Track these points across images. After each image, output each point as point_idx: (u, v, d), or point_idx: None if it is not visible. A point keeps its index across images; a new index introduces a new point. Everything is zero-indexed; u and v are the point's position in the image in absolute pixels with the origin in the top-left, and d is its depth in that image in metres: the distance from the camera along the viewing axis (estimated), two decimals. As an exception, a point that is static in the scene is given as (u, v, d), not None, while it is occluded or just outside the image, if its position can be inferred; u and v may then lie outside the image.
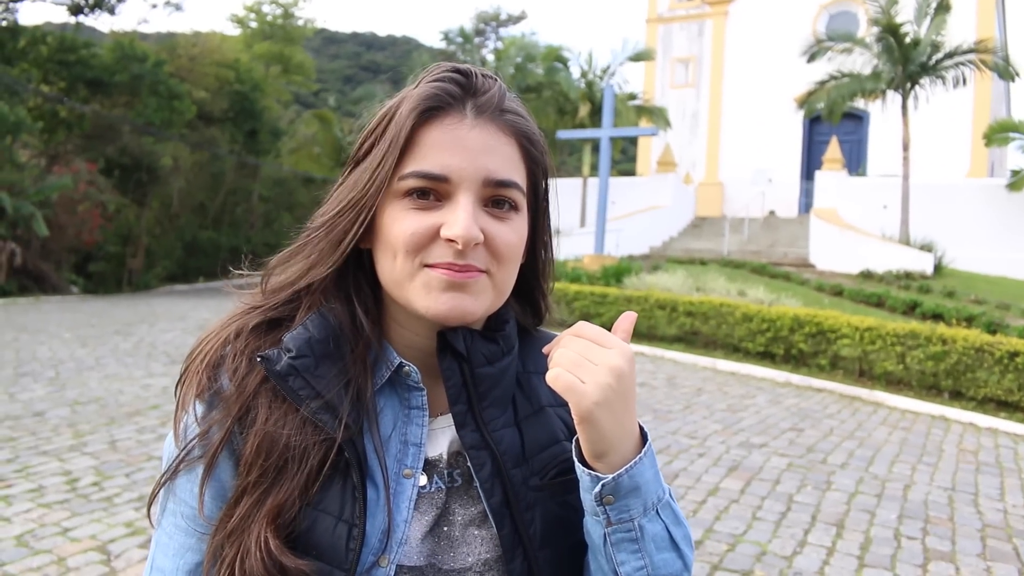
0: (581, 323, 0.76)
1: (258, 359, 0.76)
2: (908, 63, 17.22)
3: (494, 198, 0.77)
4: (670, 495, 0.78)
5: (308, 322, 0.79)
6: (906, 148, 17.53)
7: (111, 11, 23.12)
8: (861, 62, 18.18)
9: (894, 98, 18.11)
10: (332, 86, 58.78)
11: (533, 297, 0.90)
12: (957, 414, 7.81)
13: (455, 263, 0.74)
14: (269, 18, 35.88)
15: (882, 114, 20.52)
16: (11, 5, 21.13)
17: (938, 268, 16.61)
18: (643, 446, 0.75)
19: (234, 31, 36.55)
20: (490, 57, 36.20)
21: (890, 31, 16.93)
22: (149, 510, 0.81)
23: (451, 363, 0.79)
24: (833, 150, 21.46)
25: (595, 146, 20.84)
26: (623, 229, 19.77)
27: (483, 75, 0.79)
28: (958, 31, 19.72)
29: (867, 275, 16.03)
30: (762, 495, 5.06)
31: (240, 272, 0.89)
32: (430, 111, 0.75)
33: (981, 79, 18.99)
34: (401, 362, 0.80)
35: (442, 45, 33.46)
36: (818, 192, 21.08)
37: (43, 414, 6.38)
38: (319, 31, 48.77)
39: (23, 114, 18.56)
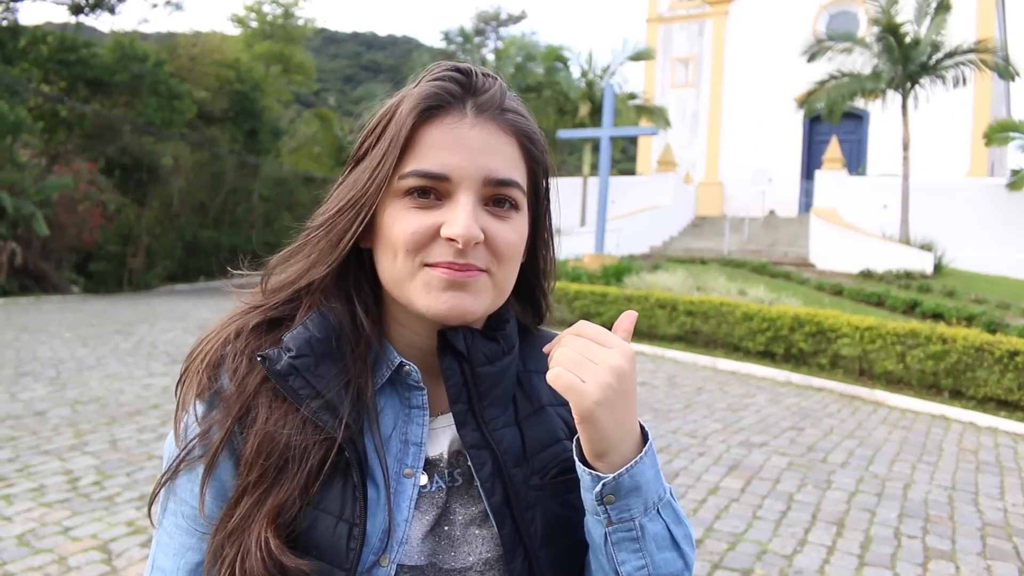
0: (582, 322, 0.76)
1: (258, 358, 0.76)
2: (908, 63, 17.21)
3: (494, 197, 0.77)
4: (671, 494, 0.77)
5: (308, 321, 0.79)
6: (906, 148, 17.53)
7: (111, 11, 23.10)
8: (861, 62, 18.18)
9: (894, 98, 18.11)
10: (332, 86, 58.78)
11: (534, 296, 0.90)
12: (957, 413, 7.81)
13: (455, 262, 0.74)
14: (269, 18, 35.86)
15: (882, 114, 20.53)
16: (11, 5, 21.13)
17: (938, 267, 16.61)
18: (644, 445, 0.75)
19: (234, 31, 36.56)
20: (490, 57, 36.19)
21: (890, 31, 16.92)
22: (150, 510, 0.81)
23: (451, 362, 0.79)
24: (833, 150, 21.46)
25: (595, 145, 20.85)
26: (623, 228, 19.78)
27: (483, 74, 0.79)
28: (958, 31, 19.72)
29: (867, 274, 16.04)
30: (762, 494, 5.06)
31: (240, 272, 0.89)
32: (430, 110, 0.75)
33: (981, 79, 19.00)
34: (402, 361, 0.80)
35: (442, 45, 33.47)
36: (818, 192, 21.07)
37: (44, 413, 6.38)
38: (319, 31, 48.76)
39: (24, 114, 18.55)
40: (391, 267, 0.77)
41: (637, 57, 23.84)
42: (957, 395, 8.38)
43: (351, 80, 65.08)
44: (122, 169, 23.29)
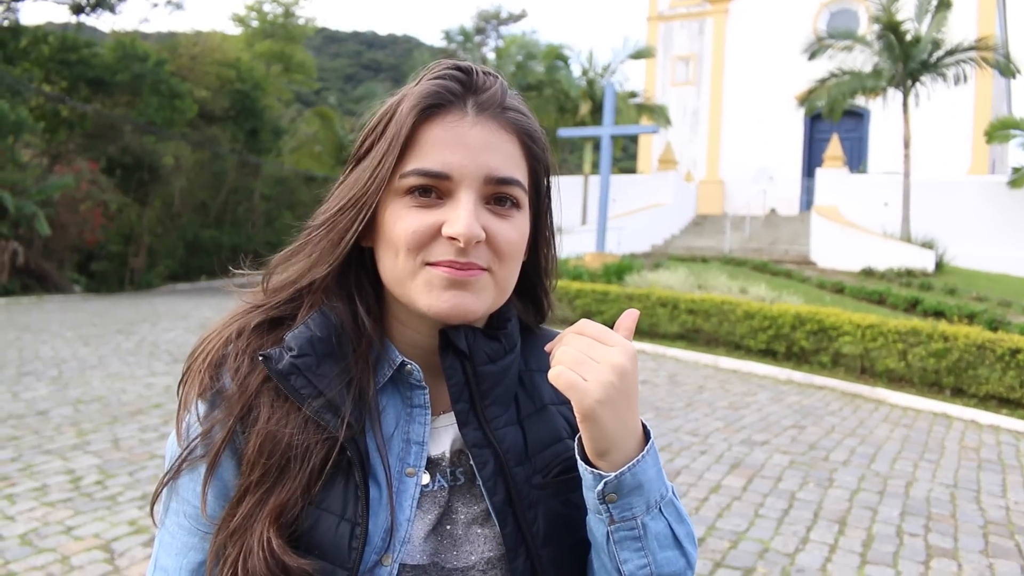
0: (583, 321, 0.76)
1: (260, 358, 0.76)
2: (909, 60, 17.19)
3: (496, 195, 0.76)
4: (673, 493, 0.77)
5: (310, 321, 0.79)
6: (907, 145, 17.51)
7: (112, 10, 23.09)
8: (862, 60, 18.16)
9: (895, 95, 18.08)
10: (333, 85, 58.80)
11: (535, 295, 0.90)
12: (959, 411, 7.80)
13: (457, 261, 0.74)
14: (270, 17, 35.85)
15: (883, 111, 20.50)
16: (13, 5, 21.13)
17: (939, 265, 16.60)
18: (646, 444, 0.75)
19: (235, 30, 36.55)
20: (491, 55, 36.20)
21: (891, 28, 16.90)
22: (152, 509, 0.81)
23: (453, 361, 0.79)
24: (834, 148, 21.43)
25: (596, 144, 20.83)
26: (624, 227, 19.77)
27: (484, 72, 0.79)
28: (959, 28, 19.70)
29: (868, 272, 16.03)
30: (764, 492, 5.06)
31: (242, 271, 0.89)
32: (431, 108, 0.75)
33: (982, 76, 19.01)
34: (403, 360, 0.80)
35: (443, 44, 33.48)
36: (819, 190, 21.05)
37: (46, 413, 6.39)
38: (320, 30, 48.77)
39: (25, 114, 18.55)
40: (392, 266, 0.77)
41: (638, 55, 23.82)
42: (959, 393, 8.37)
43: (352, 79, 65.07)
44: (123, 169, 23.29)
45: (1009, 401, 7.98)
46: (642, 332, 11.18)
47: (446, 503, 0.81)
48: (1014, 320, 10.55)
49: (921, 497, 5.14)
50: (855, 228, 18.28)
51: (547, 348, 0.80)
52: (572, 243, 18.29)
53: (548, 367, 0.74)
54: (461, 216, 0.73)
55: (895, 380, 8.90)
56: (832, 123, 21.30)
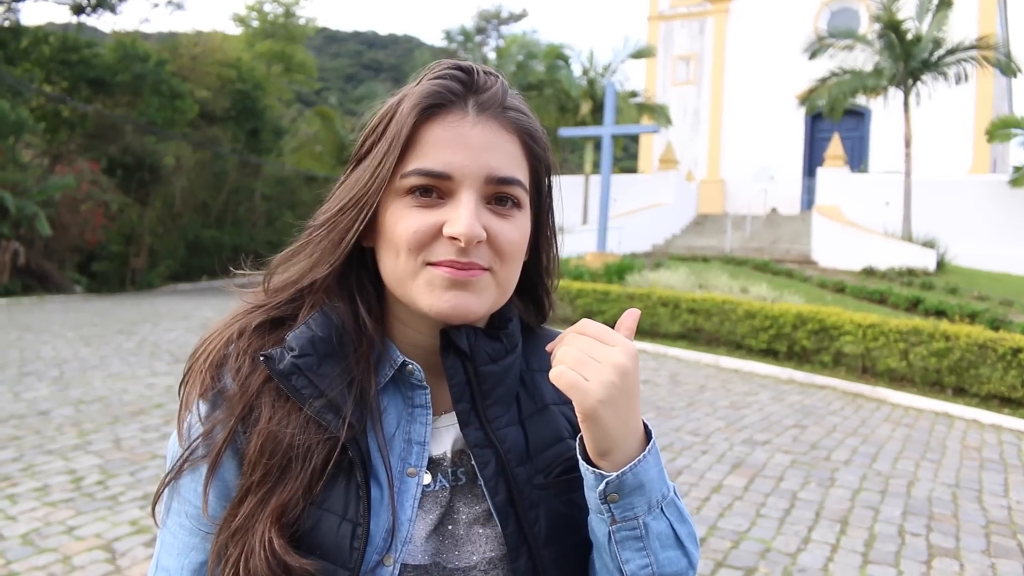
0: (584, 320, 0.76)
1: (261, 358, 0.76)
2: (910, 59, 17.18)
3: (497, 195, 0.76)
4: (675, 492, 0.77)
5: (311, 321, 0.79)
6: (908, 144, 17.50)
7: (113, 10, 23.11)
8: (863, 59, 18.15)
9: (896, 95, 18.07)
10: (334, 85, 58.78)
11: (537, 294, 0.90)
12: (960, 411, 7.80)
13: (458, 261, 0.74)
14: (271, 17, 35.84)
15: (884, 111, 20.49)
16: (13, 5, 21.15)
17: (940, 265, 16.59)
18: (647, 444, 0.75)
19: (236, 30, 36.53)
20: (491, 55, 36.19)
21: (892, 27, 16.89)
22: (154, 509, 0.81)
23: (454, 361, 0.79)
24: (835, 147, 21.42)
25: (597, 144, 20.81)
26: (625, 227, 19.76)
27: (485, 72, 0.79)
28: (960, 27, 19.69)
29: (869, 272, 16.02)
30: (766, 492, 5.06)
31: (243, 271, 0.89)
32: (432, 108, 0.75)
33: (983, 75, 19.00)
34: (404, 360, 0.80)
35: (443, 43, 33.48)
36: (820, 189, 21.04)
37: (47, 413, 6.39)
38: (320, 30, 48.77)
39: (26, 114, 18.57)
40: (393, 266, 0.77)
41: (638, 55, 23.81)
42: (960, 392, 8.36)
43: (352, 79, 65.08)
44: (124, 169, 23.30)
45: (1011, 400, 7.98)
46: (643, 332, 11.18)
47: (448, 503, 0.81)
48: (1016, 319, 10.54)
49: (923, 497, 5.14)
50: (856, 227, 18.28)
51: (548, 348, 0.79)
52: (573, 243, 18.29)
53: (549, 367, 0.74)
54: (462, 216, 0.73)
55: (896, 380, 8.89)
56: (833, 122, 21.30)
